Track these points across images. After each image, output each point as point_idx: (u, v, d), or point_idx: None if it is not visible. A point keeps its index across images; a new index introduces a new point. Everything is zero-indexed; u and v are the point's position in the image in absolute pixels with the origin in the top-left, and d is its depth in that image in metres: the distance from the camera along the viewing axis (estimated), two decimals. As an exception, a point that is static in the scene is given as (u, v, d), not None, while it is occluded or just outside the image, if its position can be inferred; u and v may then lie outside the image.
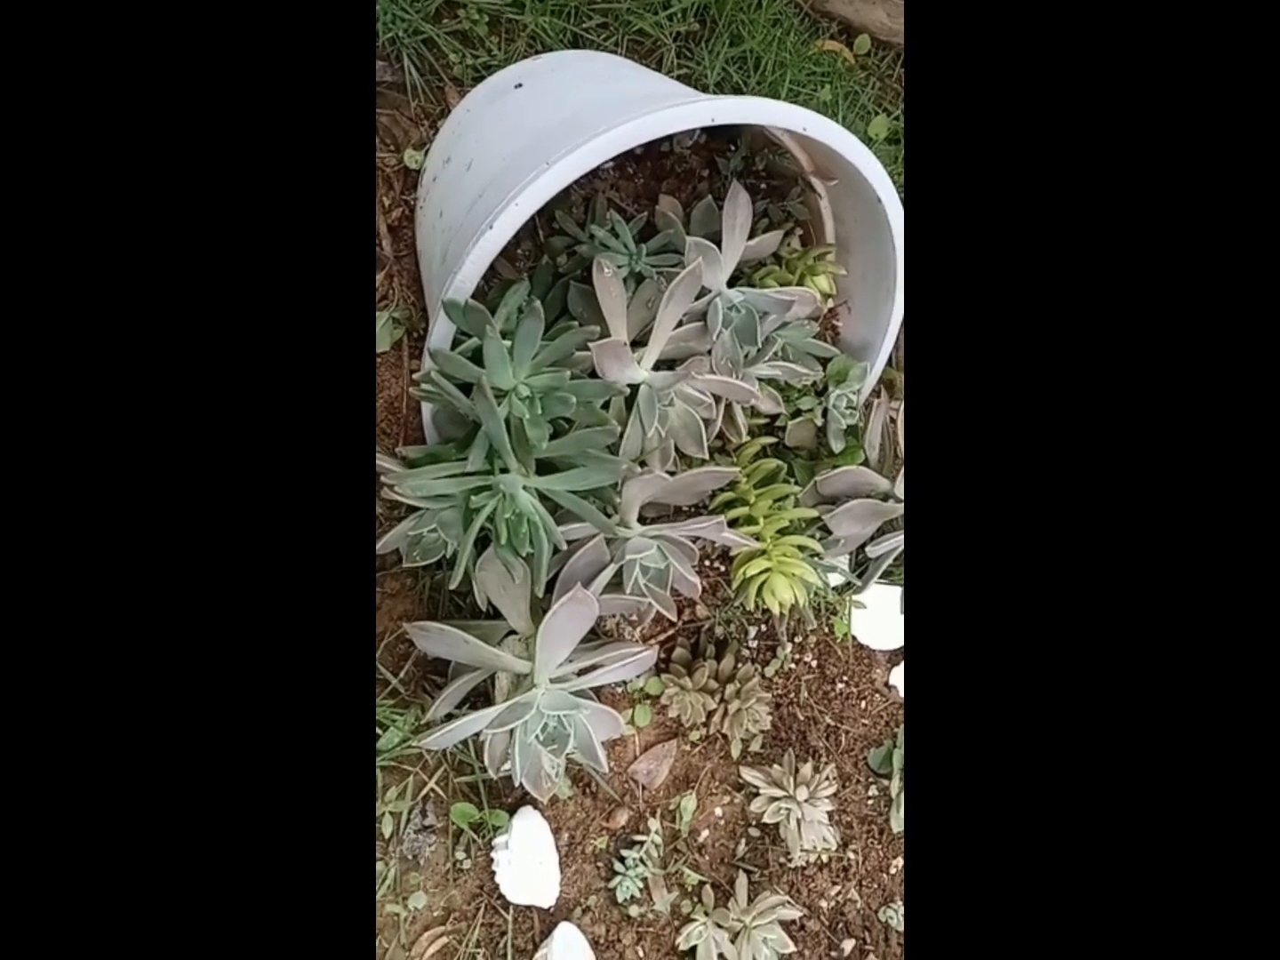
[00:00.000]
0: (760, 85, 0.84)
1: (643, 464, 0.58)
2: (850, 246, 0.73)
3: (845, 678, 0.83)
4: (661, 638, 0.78)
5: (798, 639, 0.82)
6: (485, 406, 0.50)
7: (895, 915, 0.75)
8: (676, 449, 0.63)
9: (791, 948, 0.68)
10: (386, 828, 0.64)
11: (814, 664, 0.82)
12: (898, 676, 0.85)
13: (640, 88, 0.63)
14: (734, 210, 0.59)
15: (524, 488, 0.53)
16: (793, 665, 0.81)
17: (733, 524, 0.68)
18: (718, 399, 0.64)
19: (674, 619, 0.64)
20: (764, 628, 0.82)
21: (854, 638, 0.84)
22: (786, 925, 0.70)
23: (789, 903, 0.69)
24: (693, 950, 0.68)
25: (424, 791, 0.65)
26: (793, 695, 0.80)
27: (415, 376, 0.56)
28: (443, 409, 0.57)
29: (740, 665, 0.75)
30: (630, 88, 0.63)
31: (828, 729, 0.80)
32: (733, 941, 0.67)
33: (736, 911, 0.68)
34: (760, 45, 0.84)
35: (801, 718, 0.79)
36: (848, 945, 0.74)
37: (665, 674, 0.74)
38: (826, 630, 0.83)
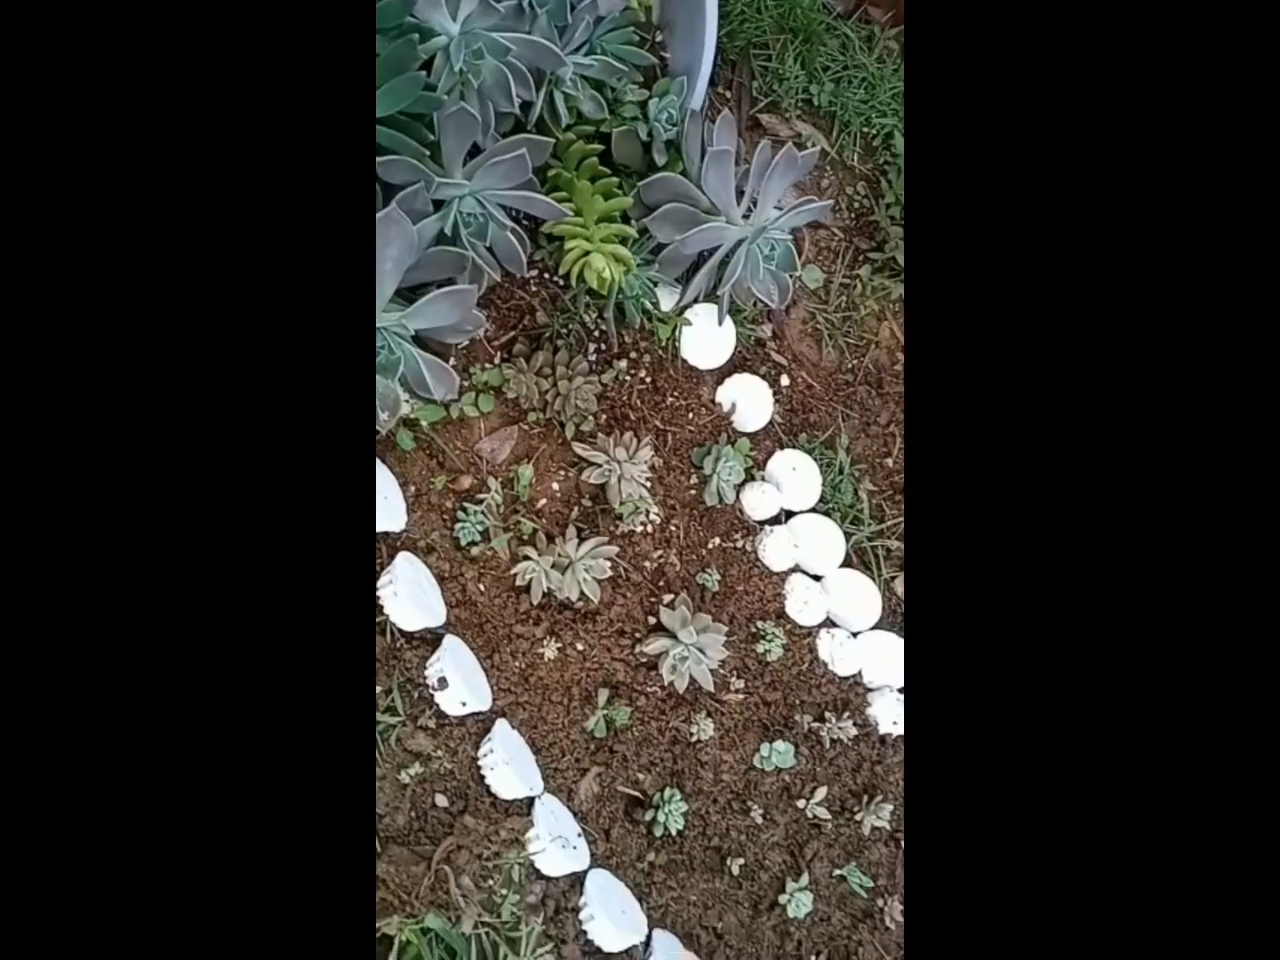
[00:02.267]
0: None
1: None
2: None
3: (675, 392, 0.93)
4: (505, 337, 0.86)
5: (633, 355, 0.91)
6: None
7: (710, 579, 0.88)
8: (497, 127, 0.70)
9: (609, 573, 0.80)
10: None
11: (647, 379, 0.92)
12: (724, 394, 0.95)
13: None
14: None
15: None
16: (627, 378, 0.91)
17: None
18: (538, 82, 0.71)
19: (497, 278, 0.72)
20: (602, 346, 0.91)
21: (684, 360, 0.94)
22: (612, 571, 0.81)
23: (609, 544, 0.80)
24: (528, 585, 0.78)
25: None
26: (625, 401, 0.89)
27: None
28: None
29: (573, 357, 0.84)
30: None
31: (656, 430, 0.90)
32: (560, 574, 0.78)
33: (564, 550, 0.79)
34: None
35: (633, 417, 0.89)
36: (667, 597, 0.86)
37: (506, 365, 0.83)
38: (661, 351, 0.93)
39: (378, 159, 0.61)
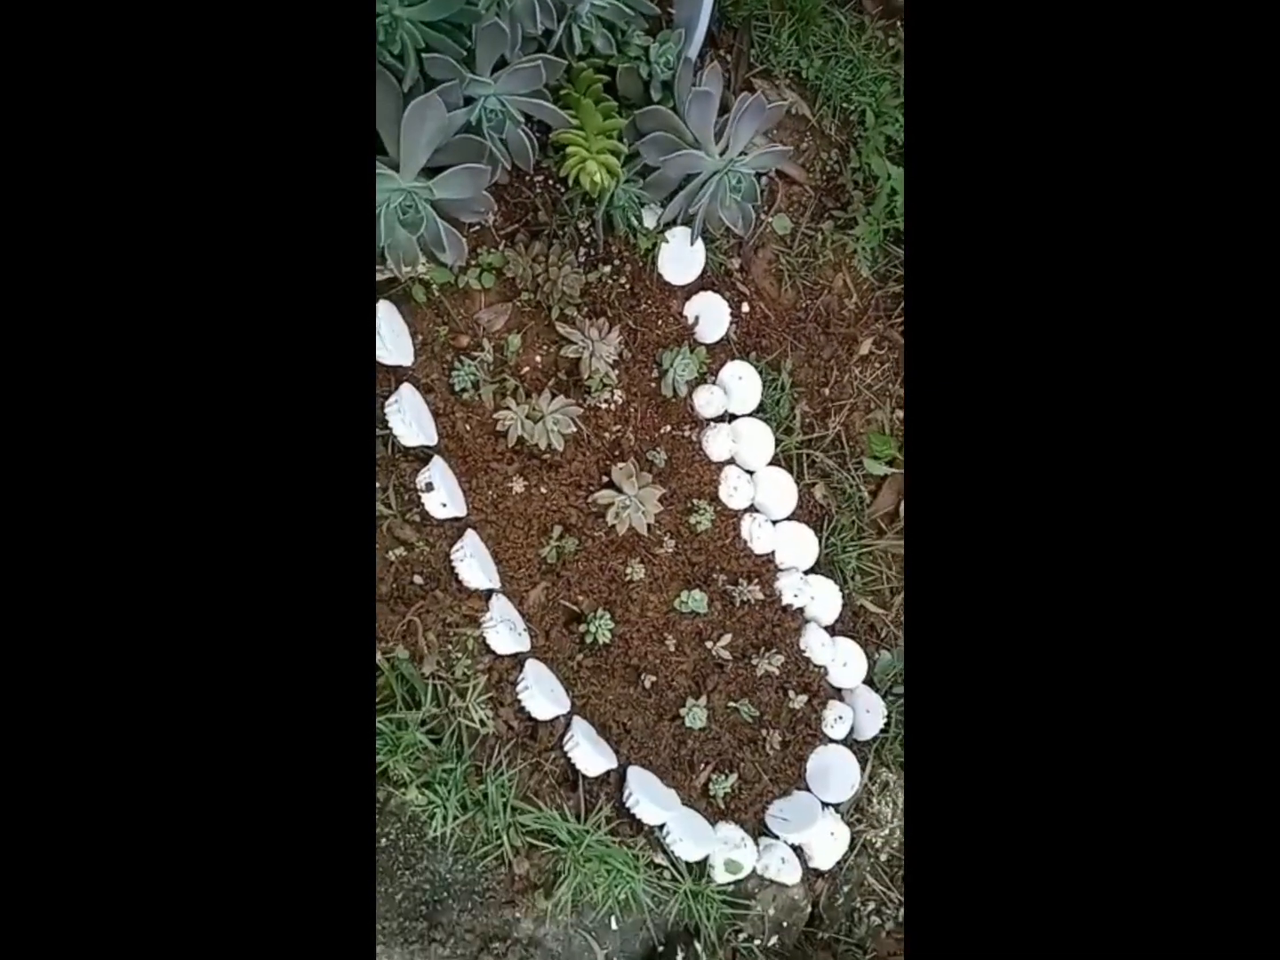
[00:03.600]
0: None
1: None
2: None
3: (648, 300, 1.10)
4: (510, 229, 1.03)
5: (616, 263, 1.08)
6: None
7: (658, 457, 1.06)
8: (522, 48, 0.86)
9: (573, 428, 0.97)
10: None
11: (625, 284, 1.09)
12: (690, 308, 1.12)
13: None
14: None
15: (400, 17, 0.76)
16: (609, 280, 1.08)
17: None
18: (560, 15, 0.87)
19: (508, 167, 0.89)
20: (592, 251, 1.08)
21: (659, 274, 1.11)
22: (576, 433, 0.99)
23: (576, 406, 0.98)
24: (506, 431, 0.96)
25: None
26: (604, 299, 1.06)
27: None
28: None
29: (565, 251, 1.01)
30: None
31: (628, 329, 1.07)
32: (534, 424, 0.96)
33: (538, 405, 0.96)
34: None
35: (610, 314, 1.06)
36: (620, 465, 1.04)
37: (508, 250, 1.00)
38: (640, 261, 1.10)
39: (424, 55, 0.78)
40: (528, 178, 0.99)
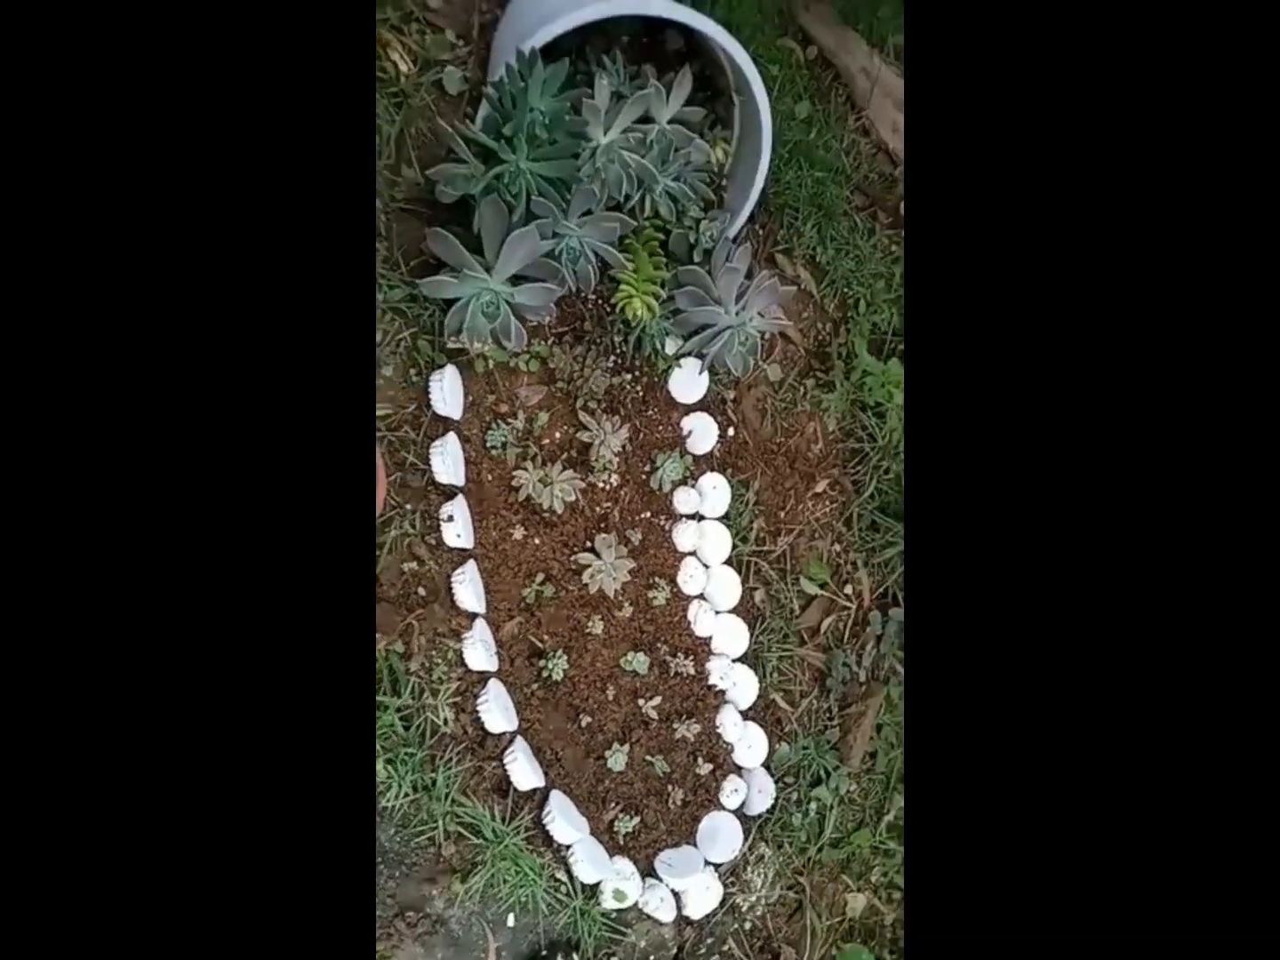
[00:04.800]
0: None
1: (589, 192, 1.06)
2: (742, 143, 1.24)
3: (655, 408, 1.33)
4: (561, 330, 1.26)
5: (636, 374, 1.31)
6: (520, 115, 0.97)
7: (635, 536, 1.26)
8: (605, 204, 1.12)
9: (573, 497, 1.18)
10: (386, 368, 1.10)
11: (640, 393, 1.32)
12: (687, 422, 1.35)
13: None
14: (681, 80, 1.08)
15: (524, 168, 1.01)
16: (628, 387, 1.31)
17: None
18: (639, 186, 1.13)
19: (575, 287, 1.12)
20: (619, 361, 1.32)
21: (669, 390, 1.34)
22: (574, 502, 1.20)
23: (579, 480, 1.19)
24: (519, 487, 1.16)
25: (401, 336, 1.11)
26: (621, 401, 1.29)
27: (485, 89, 1.02)
28: (490, 115, 1.03)
29: (598, 358, 1.24)
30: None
31: (634, 427, 1.30)
32: (543, 487, 1.16)
33: (549, 473, 1.17)
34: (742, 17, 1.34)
35: (623, 413, 1.29)
36: (603, 536, 1.24)
37: (555, 346, 1.23)
38: (655, 378, 1.33)
39: (533, 198, 1.02)
40: (585, 296, 1.23)
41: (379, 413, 1.08)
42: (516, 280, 1.07)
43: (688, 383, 1.33)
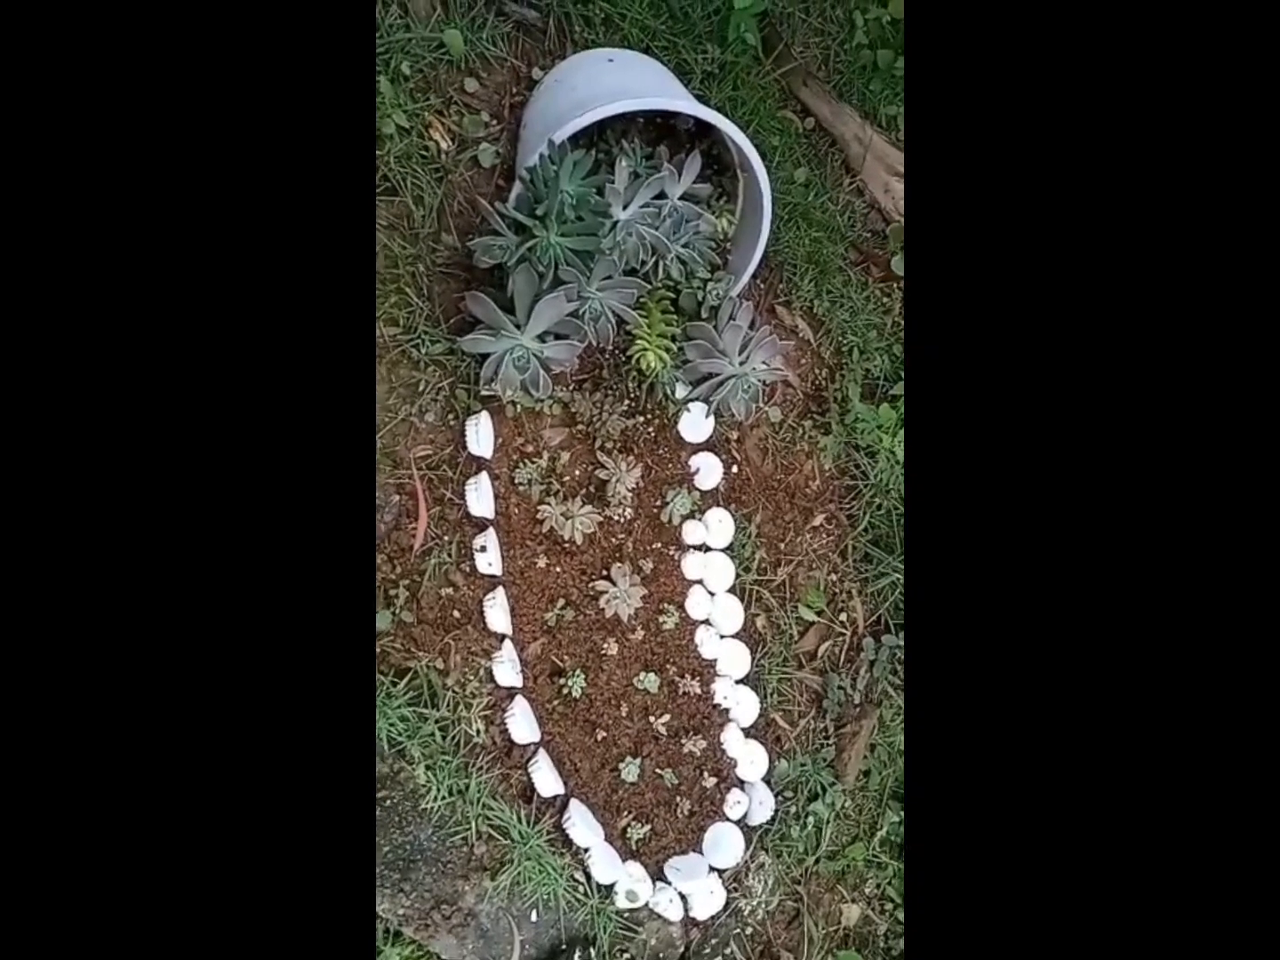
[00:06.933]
0: (739, 114, 1.49)
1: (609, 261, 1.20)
2: (745, 213, 1.38)
3: (666, 448, 1.46)
4: (581, 377, 1.39)
5: (649, 416, 1.44)
6: (551, 197, 1.11)
7: (646, 565, 1.38)
8: (624, 270, 1.25)
9: (591, 529, 1.30)
10: (409, 406, 1.23)
11: (652, 435, 1.45)
12: (695, 460, 1.48)
13: (652, 84, 1.26)
14: (691, 162, 1.22)
15: (554, 242, 1.14)
16: (640, 429, 1.43)
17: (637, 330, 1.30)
18: (653, 253, 1.26)
19: (597, 343, 1.25)
20: (634, 405, 1.44)
21: (678, 431, 1.47)
22: (592, 534, 1.32)
23: (597, 514, 1.31)
24: (543, 520, 1.29)
25: (441, 385, 1.24)
26: (635, 441, 1.42)
27: (519, 173, 1.16)
28: (523, 194, 1.17)
29: (615, 403, 1.37)
30: (648, 83, 1.26)
31: (646, 465, 1.42)
32: (565, 520, 1.28)
33: (570, 507, 1.29)
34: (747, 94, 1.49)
35: (636, 452, 1.41)
36: (618, 565, 1.36)
37: (576, 392, 1.36)
38: (666, 421, 1.46)
39: (561, 267, 1.15)
40: (604, 348, 1.36)
41: (420, 453, 1.21)
42: (544, 337, 1.20)
43: (695, 425, 1.46)
